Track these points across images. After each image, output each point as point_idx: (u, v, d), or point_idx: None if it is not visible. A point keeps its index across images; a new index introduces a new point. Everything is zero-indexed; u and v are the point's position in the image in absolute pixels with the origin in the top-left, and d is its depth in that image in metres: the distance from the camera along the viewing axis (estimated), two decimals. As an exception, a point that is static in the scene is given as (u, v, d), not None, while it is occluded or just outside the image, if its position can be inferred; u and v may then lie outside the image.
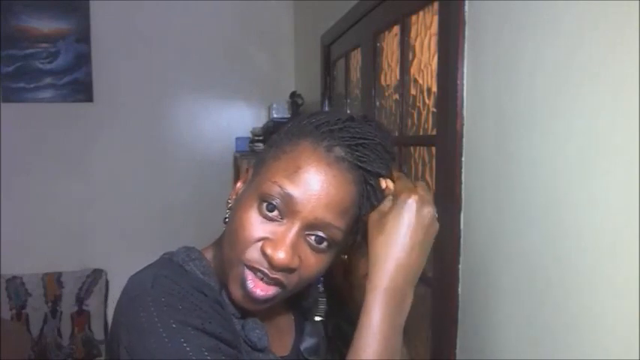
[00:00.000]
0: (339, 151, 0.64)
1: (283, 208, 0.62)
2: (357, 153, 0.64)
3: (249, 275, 0.63)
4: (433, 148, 1.31)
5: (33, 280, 2.75)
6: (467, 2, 1.06)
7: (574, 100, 0.75)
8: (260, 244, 0.62)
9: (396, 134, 1.59)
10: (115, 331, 0.62)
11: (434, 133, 1.29)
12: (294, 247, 0.62)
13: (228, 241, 0.65)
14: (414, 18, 1.47)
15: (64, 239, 2.89)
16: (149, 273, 0.65)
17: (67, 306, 2.78)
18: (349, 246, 0.70)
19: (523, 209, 0.88)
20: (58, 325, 2.76)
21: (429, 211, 0.63)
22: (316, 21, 2.49)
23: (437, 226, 0.65)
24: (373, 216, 0.65)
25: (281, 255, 0.61)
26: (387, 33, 1.70)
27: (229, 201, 0.70)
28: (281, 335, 0.76)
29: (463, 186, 1.09)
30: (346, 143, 0.64)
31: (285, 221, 0.63)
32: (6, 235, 2.75)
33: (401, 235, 0.61)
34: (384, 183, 0.67)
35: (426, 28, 1.40)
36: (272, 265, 0.61)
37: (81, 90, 2.86)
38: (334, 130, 0.65)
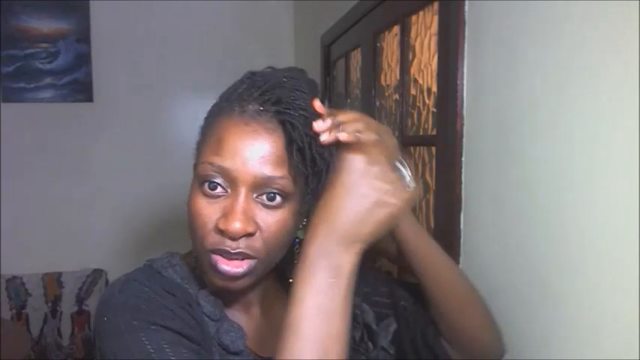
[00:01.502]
0: (251, 107, 0.64)
1: (223, 182, 0.64)
2: (266, 98, 0.64)
3: (217, 258, 0.64)
4: (433, 148, 1.31)
5: (33, 280, 2.74)
6: (467, 2, 1.06)
7: (574, 100, 0.75)
8: (215, 227, 0.63)
9: (396, 134, 1.59)
10: (93, 335, 0.65)
11: (434, 133, 1.29)
12: (246, 213, 0.63)
13: (191, 234, 0.67)
14: (414, 18, 1.47)
15: (64, 239, 2.88)
16: (122, 279, 0.68)
17: (67, 306, 2.78)
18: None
19: (523, 209, 0.88)
20: (58, 325, 2.76)
21: (383, 172, 0.59)
22: (316, 21, 2.49)
23: (408, 192, 0.61)
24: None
25: (236, 225, 0.61)
26: (387, 33, 1.70)
27: None
28: (277, 335, 0.76)
29: (463, 186, 1.09)
30: (254, 96, 0.65)
31: (229, 192, 0.64)
32: (6, 235, 2.75)
33: (345, 199, 0.57)
34: (323, 116, 0.61)
35: (426, 28, 1.40)
36: (230, 237, 0.62)
37: (81, 90, 2.85)
38: (241, 92, 0.66)
